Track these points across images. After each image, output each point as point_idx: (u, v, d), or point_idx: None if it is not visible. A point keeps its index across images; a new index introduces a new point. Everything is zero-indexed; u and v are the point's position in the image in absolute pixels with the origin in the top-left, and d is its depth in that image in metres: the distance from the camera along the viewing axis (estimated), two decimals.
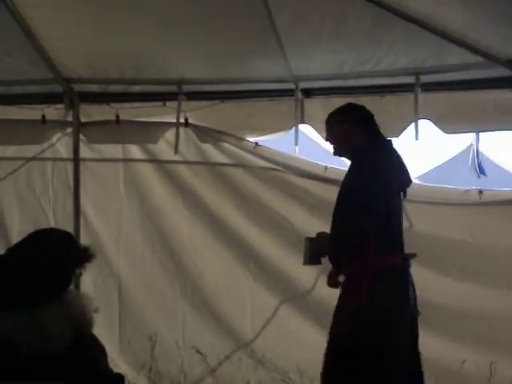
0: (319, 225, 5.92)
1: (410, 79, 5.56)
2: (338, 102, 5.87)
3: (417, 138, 5.64)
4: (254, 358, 6.08)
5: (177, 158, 6.25)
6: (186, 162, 6.32)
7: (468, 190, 5.77)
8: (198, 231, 6.29)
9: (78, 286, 5.48)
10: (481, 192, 5.70)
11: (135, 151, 6.42)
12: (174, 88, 6.00)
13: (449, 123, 5.70)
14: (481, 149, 10.40)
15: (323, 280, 5.93)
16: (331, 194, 5.93)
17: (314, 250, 4.41)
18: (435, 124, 5.66)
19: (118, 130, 6.26)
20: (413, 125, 5.61)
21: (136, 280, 6.40)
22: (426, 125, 5.65)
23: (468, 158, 10.62)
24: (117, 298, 6.39)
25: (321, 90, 5.90)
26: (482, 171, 10.38)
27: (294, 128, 5.94)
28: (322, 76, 5.75)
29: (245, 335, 6.14)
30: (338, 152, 4.57)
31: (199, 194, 6.30)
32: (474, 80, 5.50)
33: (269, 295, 6.12)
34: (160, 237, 6.37)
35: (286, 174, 6.08)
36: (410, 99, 5.60)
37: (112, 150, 6.43)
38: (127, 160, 6.44)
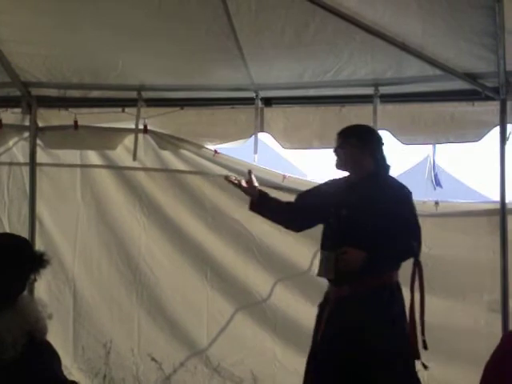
0: (277, 233, 5.96)
1: (370, 90, 5.61)
2: (298, 111, 5.95)
3: None
4: (209, 366, 6.06)
5: (135, 164, 6.21)
6: (144, 169, 6.29)
7: (424, 202, 5.81)
8: (156, 238, 6.26)
9: (31, 291, 5.41)
10: (437, 203, 5.76)
11: (93, 157, 6.37)
12: (133, 94, 5.97)
13: (406, 134, 5.76)
14: (437, 161, 10.51)
15: (279, 288, 5.99)
16: None
17: (341, 265, 4.38)
18: (393, 135, 5.71)
19: (75, 136, 6.21)
20: None
21: (91, 286, 6.34)
22: (384, 135, 5.69)
23: (425, 170, 10.71)
24: (71, 305, 6.32)
25: (281, 99, 5.92)
26: (438, 183, 10.48)
27: (253, 136, 5.95)
28: (283, 85, 5.78)
29: (200, 343, 6.12)
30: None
31: (157, 201, 6.27)
32: (432, 92, 5.56)
33: (225, 303, 6.11)
34: (117, 243, 6.32)
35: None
36: (369, 110, 5.64)
37: (69, 155, 6.37)
38: (85, 166, 6.39)
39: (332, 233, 4.57)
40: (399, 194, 4.56)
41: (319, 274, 4.54)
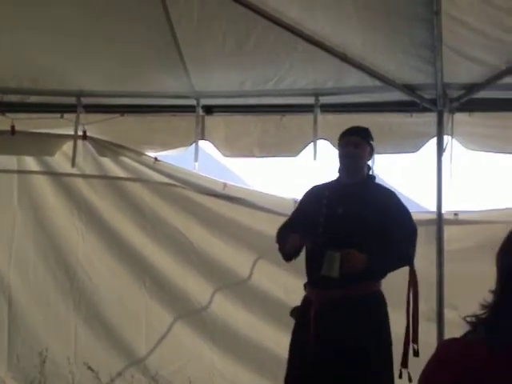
0: (217, 241, 5.96)
1: (310, 100, 5.65)
2: (239, 119, 5.96)
3: (315, 158, 5.72)
4: (146, 374, 6.01)
5: (74, 171, 6.15)
6: (83, 176, 6.23)
7: None
8: (94, 246, 6.20)
9: None
10: None
11: (31, 163, 6.28)
12: (72, 100, 5.91)
13: None
14: (376, 172, 10.64)
15: (219, 297, 5.98)
16: (229, 210, 5.99)
17: (345, 266, 4.28)
18: (333, 145, 5.74)
19: (13, 141, 6.11)
20: (311, 145, 5.70)
21: (27, 294, 6.23)
22: (324, 145, 5.74)
23: None
24: (6, 312, 6.21)
25: (222, 107, 5.94)
26: None
27: (194, 144, 5.94)
28: (224, 93, 5.78)
29: (138, 352, 6.07)
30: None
31: (96, 208, 6.21)
32: (372, 103, 5.63)
33: (164, 312, 6.07)
34: (54, 251, 6.23)
35: (185, 190, 6.07)
36: (309, 119, 5.68)
37: (6, 160, 6.27)
38: (22, 171, 6.29)
39: (324, 232, 4.42)
40: (395, 200, 4.55)
41: (323, 273, 4.31)
